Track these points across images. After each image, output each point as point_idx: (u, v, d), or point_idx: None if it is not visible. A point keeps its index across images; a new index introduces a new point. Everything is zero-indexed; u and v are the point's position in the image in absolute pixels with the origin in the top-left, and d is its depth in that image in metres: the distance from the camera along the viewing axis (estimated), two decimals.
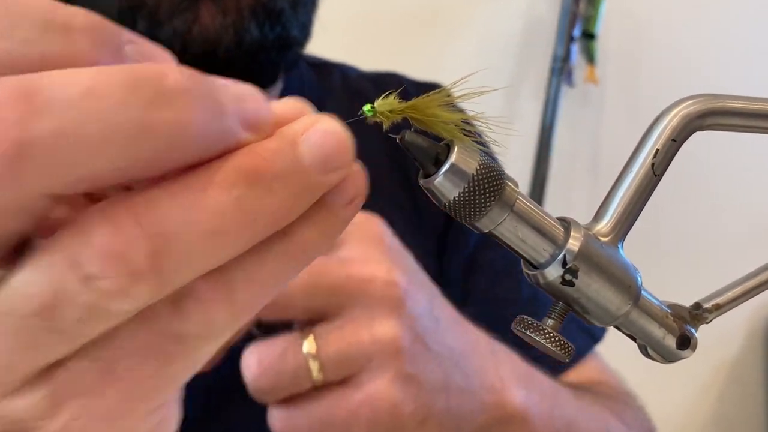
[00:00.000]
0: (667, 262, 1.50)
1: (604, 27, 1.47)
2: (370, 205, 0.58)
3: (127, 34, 0.18)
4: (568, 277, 0.21)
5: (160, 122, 0.15)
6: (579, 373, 0.58)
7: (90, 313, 0.16)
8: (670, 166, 0.24)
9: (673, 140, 0.23)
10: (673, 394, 1.65)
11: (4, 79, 0.15)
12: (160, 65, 0.16)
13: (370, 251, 0.34)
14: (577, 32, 1.45)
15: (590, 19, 1.46)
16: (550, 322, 0.22)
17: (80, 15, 0.17)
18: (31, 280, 0.16)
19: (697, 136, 0.24)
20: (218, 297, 0.17)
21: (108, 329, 0.17)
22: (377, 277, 0.33)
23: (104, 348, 0.17)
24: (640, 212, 0.23)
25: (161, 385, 0.18)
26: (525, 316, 0.22)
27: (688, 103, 0.24)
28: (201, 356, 0.18)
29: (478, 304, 0.59)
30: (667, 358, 0.25)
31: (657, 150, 0.23)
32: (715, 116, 0.24)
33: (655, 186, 0.23)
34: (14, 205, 0.15)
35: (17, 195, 0.15)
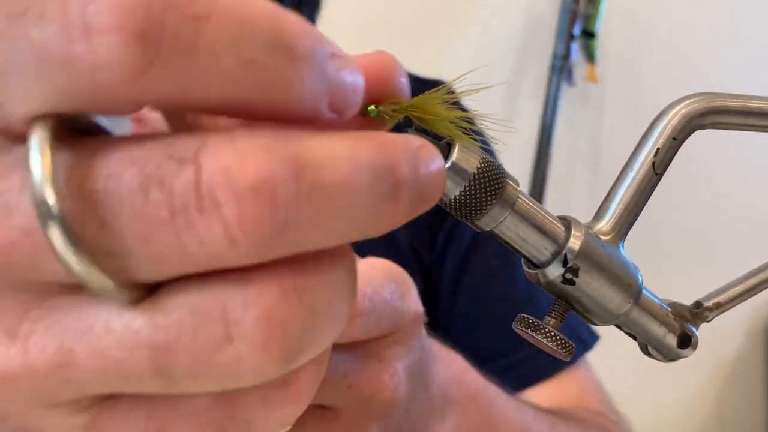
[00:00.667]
0: (668, 260, 1.50)
1: (604, 25, 1.47)
2: None
3: (329, 46, 0.16)
4: (568, 276, 0.21)
5: (381, 214, 0.15)
6: (561, 388, 0.57)
7: (206, 373, 0.15)
8: (670, 165, 0.24)
9: (674, 139, 0.23)
10: (673, 393, 1.66)
11: (273, 136, 0.14)
12: (389, 149, 0.15)
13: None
14: (577, 31, 1.45)
15: (590, 18, 1.46)
16: (551, 320, 0.22)
17: (302, 29, 0.15)
18: (170, 314, 0.14)
19: (698, 135, 0.24)
20: (302, 391, 0.17)
21: (196, 394, 0.16)
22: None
23: (167, 408, 0.16)
24: (641, 211, 0.23)
25: None
26: (526, 315, 0.22)
27: (688, 101, 0.24)
28: None
29: (468, 303, 0.59)
30: (668, 356, 0.25)
31: (658, 149, 0.23)
32: (716, 115, 0.24)
33: (656, 185, 0.23)
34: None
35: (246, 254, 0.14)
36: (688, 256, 1.59)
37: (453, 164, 0.20)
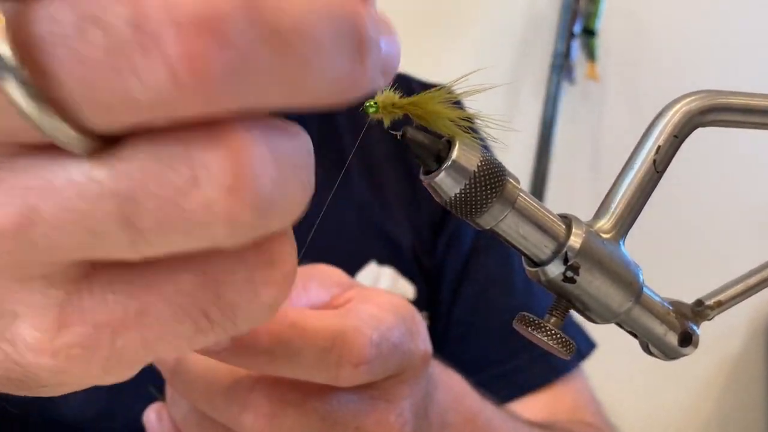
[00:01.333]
0: (669, 258, 1.50)
1: (604, 23, 1.47)
2: (371, 194, 0.58)
3: None
4: (569, 274, 0.21)
5: (346, 73, 0.14)
6: (555, 398, 0.57)
7: (175, 223, 0.14)
8: (671, 162, 0.24)
9: (675, 137, 0.23)
10: (674, 392, 1.65)
11: None
12: (349, 5, 0.14)
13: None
14: (577, 29, 1.45)
15: (591, 16, 1.46)
16: (552, 319, 0.22)
17: None
18: (133, 161, 0.14)
19: (699, 132, 0.24)
20: (287, 273, 0.16)
21: (163, 257, 0.15)
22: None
23: (147, 287, 0.16)
24: (642, 209, 0.23)
25: (171, 349, 0.16)
26: (526, 313, 0.22)
27: (689, 99, 0.24)
28: (221, 338, 0.17)
29: (467, 311, 0.59)
30: (669, 355, 0.25)
31: (659, 146, 0.23)
32: (717, 112, 0.24)
33: (657, 182, 0.23)
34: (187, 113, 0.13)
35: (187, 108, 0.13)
36: (689, 254, 1.59)
37: (453, 162, 0.20)
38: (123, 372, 0.17)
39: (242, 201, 0.14)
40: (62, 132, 0.13)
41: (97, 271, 0.16)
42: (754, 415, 1.72)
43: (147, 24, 0.12)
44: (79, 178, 0.14)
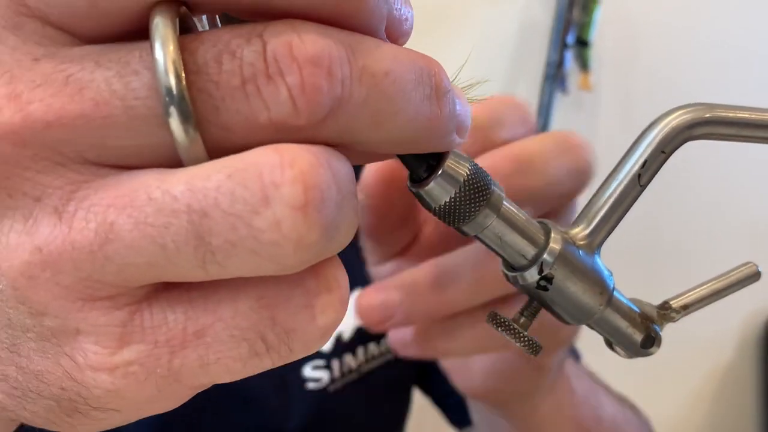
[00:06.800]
0: (657, 266, 1.48)
1: (598, 34, 1.45)
2: None
3: None
4: (543, 283, 0.21)
5: (426, 115, 0.16)
6: None
7: (244, 241, 0.14)
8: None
9: (662, 152, 0.22)
10: (666, 400, 1.61)
11: (327, 27, 0.15)
12: (429, 61, 0.16)
13: None
14: (571, 39, 1.43)
15: (584, 26, 1.44)
16: (521, 320, 0.22)
17: None
18: (209, 178, 0.14)
19: (688, 144, 0.23)
20: (343, 298, 0.16)
21: (225, 279, 0.15)
22: None
23: (206, 309, 0.15)
24: (621, 220, 0.22)
25: (226, 371, 0.16)
26: (497, 312, 0.22)
27: (679, 113, 0.23)
28: (276, 363, 0.16)
29: None
30: (633, 354, 0.25)
31: (645, 161, 0.22)
32: (707, 126, 0.23)
33: (639, 195, 0.22)
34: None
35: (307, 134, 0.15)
36: (677, 262, 1.57)
37: (443, 171, 0.19)
38: (177, 395, 0.16)
39: (310, 219, 0.14)
40: (194, 150, 0.14)
41: (158, 292, 0.16)
42: (745, 424, 1.69)
43: (272, 58, 0.14)
44: (157, 194, 0.14)
